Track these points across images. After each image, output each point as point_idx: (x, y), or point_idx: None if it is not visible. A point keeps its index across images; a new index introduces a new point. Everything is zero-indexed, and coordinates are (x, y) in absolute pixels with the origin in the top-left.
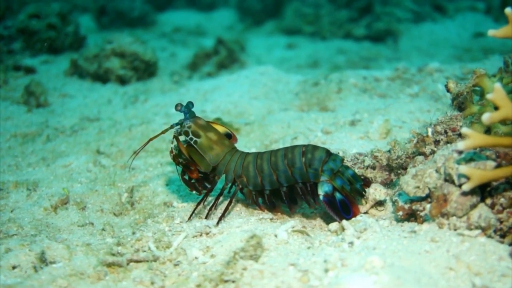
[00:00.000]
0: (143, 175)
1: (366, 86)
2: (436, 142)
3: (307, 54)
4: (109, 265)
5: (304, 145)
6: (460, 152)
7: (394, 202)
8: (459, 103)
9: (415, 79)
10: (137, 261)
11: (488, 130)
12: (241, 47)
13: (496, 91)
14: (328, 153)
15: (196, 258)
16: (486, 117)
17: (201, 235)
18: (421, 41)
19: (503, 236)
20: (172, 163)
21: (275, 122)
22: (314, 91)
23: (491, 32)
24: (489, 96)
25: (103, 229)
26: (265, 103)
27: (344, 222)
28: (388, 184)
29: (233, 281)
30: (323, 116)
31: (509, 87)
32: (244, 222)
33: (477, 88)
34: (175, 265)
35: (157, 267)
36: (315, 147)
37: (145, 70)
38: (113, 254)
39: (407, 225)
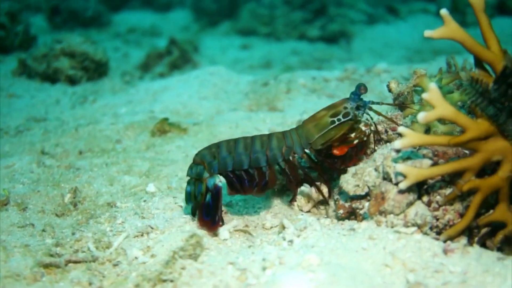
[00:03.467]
0: (88, 175)
1: (315, 87)
2: (377, 141)
3: (261, 55)
4: (46, 266)
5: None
6: (397, 151)
7: (335, 201)
8: (400, 103)
9: (363, 79)
10: (75, 262)
11: (428, 130)
12: (194, 48)
13: (431, 91)
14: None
15: (136, 258)
16: (421, 116)
17: (142, 235)
18: (374, 42)
19: (439, 233)
20: (116, 164)
21: (223, 122)
22: (264, 91)
23: (427, 33)
24: (424, 95)
25: (43, 230)
26: (214, 103)
27: (285, 220)
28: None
29: (172, 281)
30: (271, 116)
31: (449, 87)
32: (187, 222)
33: (418, 88)
34: (115, 265)
35: (96, 268)
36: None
37: (96, 70)
38: (51, 255)
39: (347, 223)
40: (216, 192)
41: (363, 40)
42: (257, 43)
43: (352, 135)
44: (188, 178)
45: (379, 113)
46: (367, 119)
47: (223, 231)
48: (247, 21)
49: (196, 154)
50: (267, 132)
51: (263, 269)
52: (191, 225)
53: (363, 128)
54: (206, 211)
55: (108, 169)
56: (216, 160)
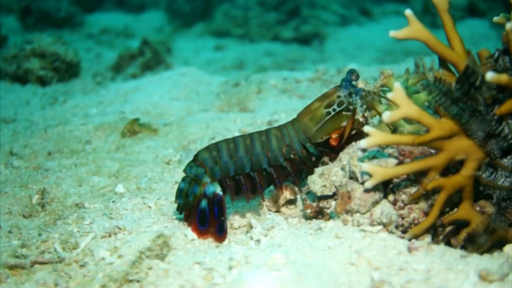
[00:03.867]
0: (56, 176)
1: (286, 87)
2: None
3: (234, 56)
4: (12, 267)
5: None
6: (363, 150)
7: (303, 200)
8: (367, 103)
9: (334, 80)
10: (41, 263)
11: (396, 129)
12: (167, 49)
13: (395, 90)
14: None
15: (103, 258)
16: (386, 116)
17: (110, 236)
18: (346, 43)
19: (404, 231)
20: (86, 164)
21: (194, 122)
22: (235, 92)
23: (392, 33)
24: (389, 95)
25: (9, 232)
26: (185, 104)
27: (252, 220)
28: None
29: (138, 281)
30: (242, 116)
31: (416, 87)
32: (155, 222)
33: (385, 88)
34: (81, 266)
35: (62, 269)
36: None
37: (67, 71)
38: (17, 257)
39: (315, 223)
40: (218, 201)
41: (336, 41)
42: (230, 44)
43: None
44: (184, 175)
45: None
46: (365, 110)
47: (191, 231)
48: (221, 23)
49: (197, 155)
50: (237, 133)
51: (229, 269)
52: (159, 226)
53: (361, 119)
54: (201, 219)
55: (77, 170)
56: (218, 165)
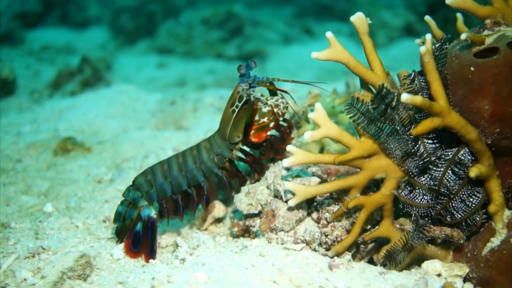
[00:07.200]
0: None
1: (222, 105)
2: (272, 160)
3: (177, 74)
4: None
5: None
6: (287, 169)
7: (230, 219)
8: (295, 122)
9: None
10: None
11: (323, 148)
12: (107, 66)
13: (316, 111)
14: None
15: (25, 279)
16: (307, 135)
17: (33, 256)
18: (288, 62)
19: (328, 249)
20: (15, 184)
21: (128, 141)
22: (171, 110)
23: (314, 55)
24: (310, 115)
25: None
26: (121, 122)
27: (178, 239)
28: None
29: None
30: (176, 134)
31: (342, 106)
32: (80, 242)
33: (312, 108)
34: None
35: None
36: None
37: (2, 88)
38: None
39: (241, 241)
40: (151, 224)
41: (278, 59)
42: (174, 61)
43: (265, 119)
44: (123, 198)
45: (271, 87)
46: (277, 100)
47: (117, 250)
48: (164, 40)
49: (134, 179)
50: (171, 151)
51: None
52: (85, 245)
53: (275, 110)
54: (135, 241)
55: (5, 189)
56: (153, 188)
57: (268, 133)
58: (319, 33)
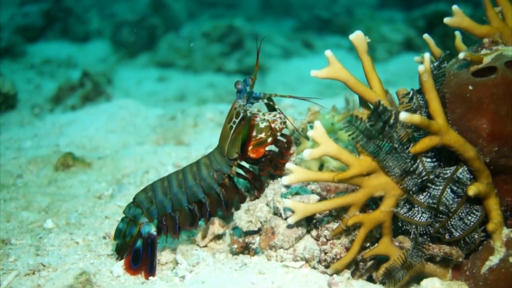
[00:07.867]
0: None
1: (222, 120)
2: (271, 177)
3: (177, 88)
4: None
5: None
6: (286, 187)
7: (230, 236)
8: (295, 139)
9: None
10: None
11: (323, 165)
12: (108, 80)
13: (315, 129)
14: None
15: None
16: (306, 154)
17: (33, 273)
18: (287, 76)
19: (327, 266)
20: (15, 199)
21: (128, 156)
22: (171, 126)
23: (313, 73)
24: (309, 133)
25: None
26: (121, 137)
27: (178, 256)
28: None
29: None
30: (177, 150)
31: (341, 124)
32: (81, 259)
33: (312, 125)
34: None
35: None
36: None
37: (3, 102)
38: None
39: (240, 258)
40: (151, 240)
41: (278, 73)
42: (174, 75)
43: (262, 134)
44: (123, 215)
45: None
46: (274, 116)
47: (117, 267)
48: (165, 53)
49: (135, 196)
50: (171, 167)
51: None
52: (85, 262)
53: (273, 125)
54: (135, 258)
55: (6, 205)
56: (154, 205)
57: (267, 148)
58: (319, 47)
